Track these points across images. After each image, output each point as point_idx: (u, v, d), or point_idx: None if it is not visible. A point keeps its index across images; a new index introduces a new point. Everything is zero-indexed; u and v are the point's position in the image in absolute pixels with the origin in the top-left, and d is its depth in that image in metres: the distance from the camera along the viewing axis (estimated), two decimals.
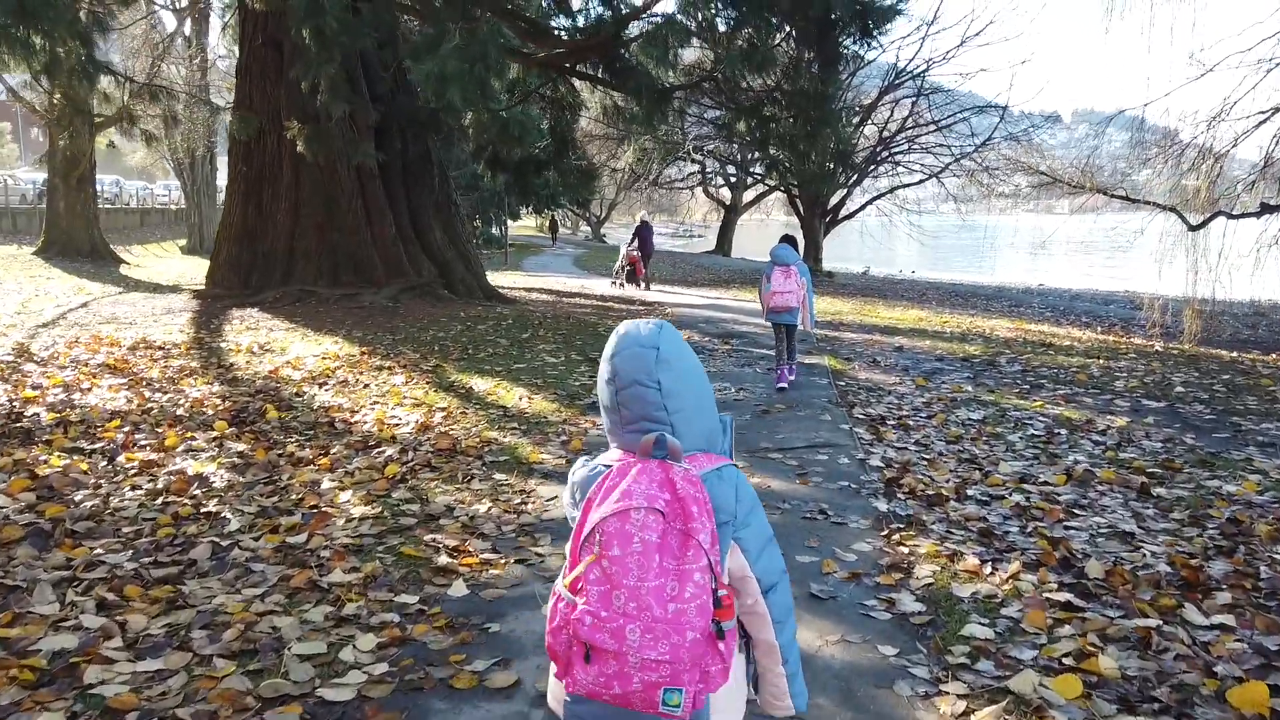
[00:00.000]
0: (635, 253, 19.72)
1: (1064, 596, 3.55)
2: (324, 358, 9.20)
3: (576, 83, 15.78)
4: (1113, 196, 14.16)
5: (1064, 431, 6.56)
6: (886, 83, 23.24)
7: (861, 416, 7.08)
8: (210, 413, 6.69)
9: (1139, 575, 3.77)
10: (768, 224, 78.96)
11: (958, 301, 21.14)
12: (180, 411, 6.68)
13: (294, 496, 4.82)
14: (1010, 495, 4.94)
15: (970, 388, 8.40)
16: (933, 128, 23.67)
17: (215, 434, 6.06)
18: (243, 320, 12.15)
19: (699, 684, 1.45)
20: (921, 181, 24.99)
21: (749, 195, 41.39)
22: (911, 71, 23.16)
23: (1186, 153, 11.99)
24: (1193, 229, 12.22)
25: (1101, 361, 9.97)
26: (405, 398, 7.38)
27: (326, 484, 5.04)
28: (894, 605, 3.54)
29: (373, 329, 11.51)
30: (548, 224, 49.13)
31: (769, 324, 8.38)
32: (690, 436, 1.62)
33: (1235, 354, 11.27)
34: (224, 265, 14.45)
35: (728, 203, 42.35)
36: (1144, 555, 4.01)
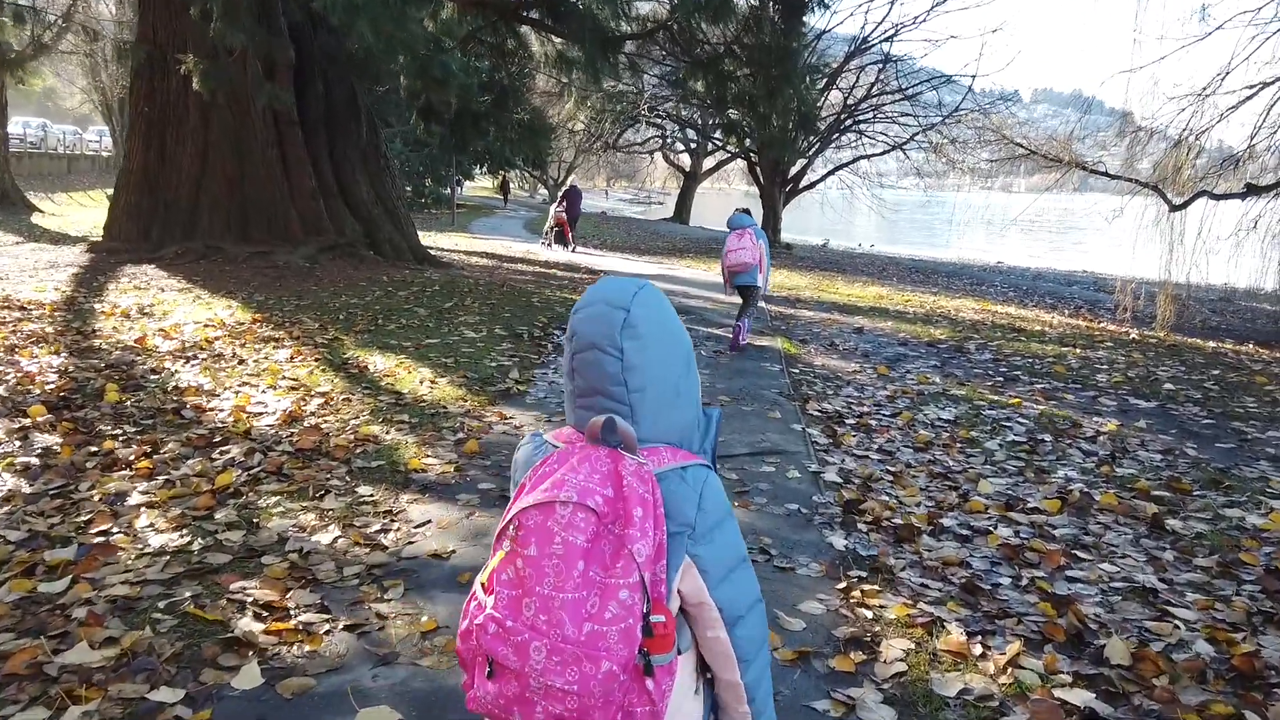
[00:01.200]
0: (563, 214, 19.76)
1: (1081, 697, 2.61)
2: (207, 325, 8.00)
3: (527, 32, 14.53)
4: (1093, 172, 13.35)
5: (1048, 437, 5.65)
6: (853, 47, 22.16)
7: (817, 413, 6.11)
8: (36, 392, 5.50)
9: (1175, 661, 2.84)
10: (728, 193, 77.95)
11: (918, 278, 20.34)
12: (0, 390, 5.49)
13: (83, 515, 3.71)
14: (996, 528, 4.00)
15: (938, 379, 7.48)
16: (899, 96, 22.69)
17: (26, 421, 4.89)
18: (133, 278, 10.83)
19: None
20: (886, 152, 24.05)
21: (709, 162, 40.21)
22: (879, 37, 22.12)
23: (1171, 128, 11.16)
24: (1175, 209, 11.44)
25: (1078, 350, 9.13)
26: (283, 378, 6.24)
27: (135, 497, 3.93)
28: (853, 711, 2.56)
29: (278, 292, 10.29)
30: (498, 185, 47.57)
31: (731, 297, 8.42)
32: (653, 424, 1.35)
33: (1215, 344, 10.53)
34: (122, 215, 13.03)
35: (687, 169, 41.14)
36: (1175, 627, 3.08)
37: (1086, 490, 4.55)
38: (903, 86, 22.44)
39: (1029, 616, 3.13)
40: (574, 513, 1.20)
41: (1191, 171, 11.74)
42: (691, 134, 36.79)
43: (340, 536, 3.62)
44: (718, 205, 62.53)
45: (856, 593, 3.28)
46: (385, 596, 3.14)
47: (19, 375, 5.87)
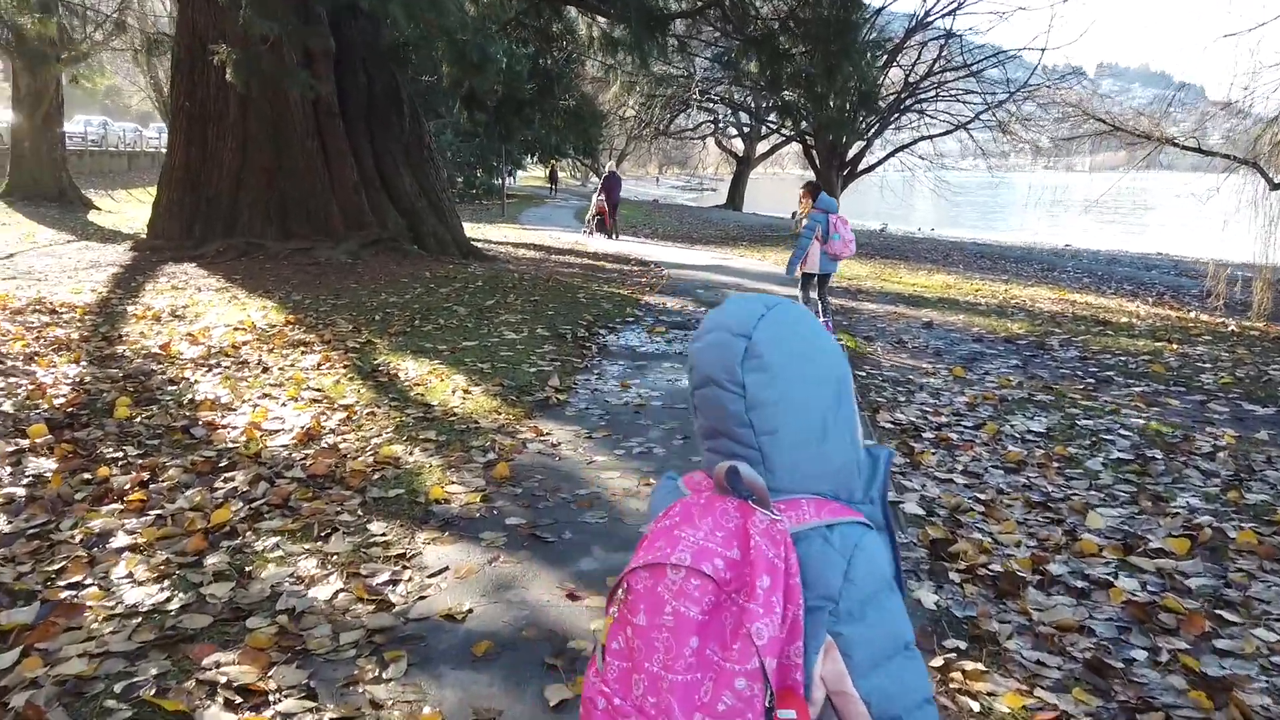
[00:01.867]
0: (603, 202, 20.08)
1: None
2: (237, 328, 7.63)
3: (575, 15, 13.98)
4: (1185, 148, 12.33)
5: (1158, 454, 4.94)
6: (914, 21, 21.13)
7: (889, 425, 5.47)
8: (44, 408, 5.13)
9: None
10: (782, 178, 76.66)
11: (985, 264, 19.36)
12: (6, 405, 5.13)
13: (57, 562, 3.27)
14: (1117, 577, 3.35)
15: (1022, 381, 6.77)
16: (964, 72, 21.59)
17: (24, 443, 4.51)
18: (172, 278, 10.57)
19: None
20: (949, 132, 22.96)
21: (763, 147, 39.31)
22: (941, 11, 21.07)
23: (1271, 101, 10.14)
24: (1276, 187, 10.42)
25: (1174, 346, 8.29)
26: (307, 388, 5.80)
27: (119, 538, 3.49)
28: None
29: (316, 290, 9.93)
30: (548, 174, 47.20)
31: (795, 280, 8.45)
32: (792, 471, 1.10)
33: None
34: (164, 213, 12.83)
35: (740, 154, 40.28)
36: None
37: (1217, 525, 3.85)
38: (968, 62, 21.33)
39: (1179, 711, 2.50)
40: (687, 578, 1.02)
41: None
42: (744, 118, 35.94)
43: (342, 589, 3.13)
44: (772, 190, 61.48)
45: (956, 673, 2.68)
46: (384, 675, 2.62)
47: (31, 387, 5.51)
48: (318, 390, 5.77)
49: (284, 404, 5.44)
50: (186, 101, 12.55)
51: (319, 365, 6.44)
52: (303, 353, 6.83)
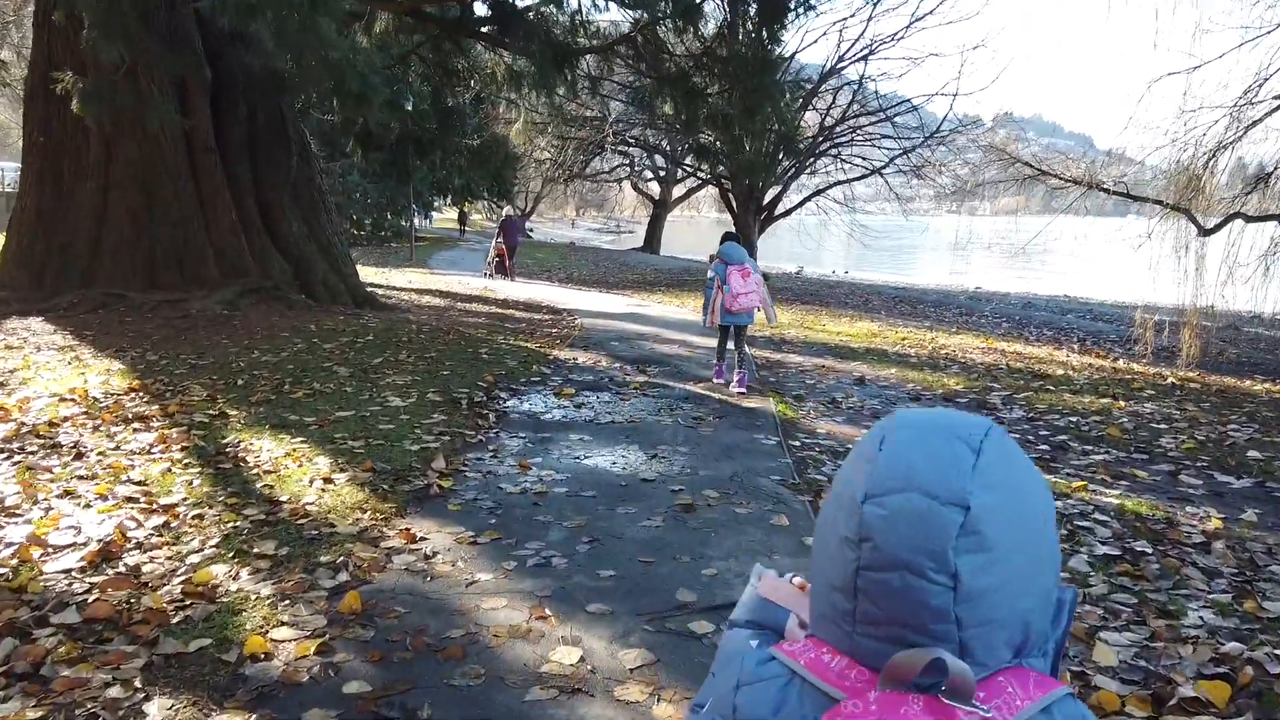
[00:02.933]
0: (502, 245, 20.87)
1: None
2: (65, 399, 6.41)
3: (480, 49, 13.16)
4: (1115, 194, 12.11)
5: (1147, 547, 4.22)
6: (828, 65, 20.99)
7: None
8: None
9: None
10: (698, 220, 77.15)
11: (905, 309, 19.09)
12: None
13: None
14: None
15: None
16: (879, 117, 21.52)
17: None
18: (13, 334, 9.20)
19: None
20: (864, 176, 22.87)
21: (679, 190, 39.10)
22: (856, 54, 20.98)
23: (1202, 144, 9.91)
24: (1205, 233, 10.22)
25: (1121, 403, 7.77)
26: (125, 480, 4.69)
27: None
28: None
29: (178, 347, 8.73)
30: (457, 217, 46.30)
31: (713, 329, 8.15)
32: (994, 652, 0.81)
33: (1265, 385, 9.24)
34: (12, 261, 11.38)
35: (657, 198, 39.98)
36: None
37: (1250, 654, 3.11)
38: (883, 106, 21.26)
39: None
40: None
41: (1214, 191, 10.53)
42: (660, 161, 35.64)
43: None
44: (689, 232, 61.59)
45: None
46: None
47: None
48: (138, 484, 4.66)
49: (87, 505, 4.31)
50: (40, 137, 11.20)
51: (151, 447, 5.31)
52: (135, 430, 5.68)
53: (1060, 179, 12.72)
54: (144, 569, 3.63)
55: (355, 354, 8.69)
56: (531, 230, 55.35)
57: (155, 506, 4.32)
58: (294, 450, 5.35)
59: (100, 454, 5.16)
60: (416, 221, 38.74)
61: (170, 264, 11.24)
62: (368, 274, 19.51)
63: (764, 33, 9.51)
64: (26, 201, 11.41)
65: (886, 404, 7.60)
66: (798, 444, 6.08)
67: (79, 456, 5.09)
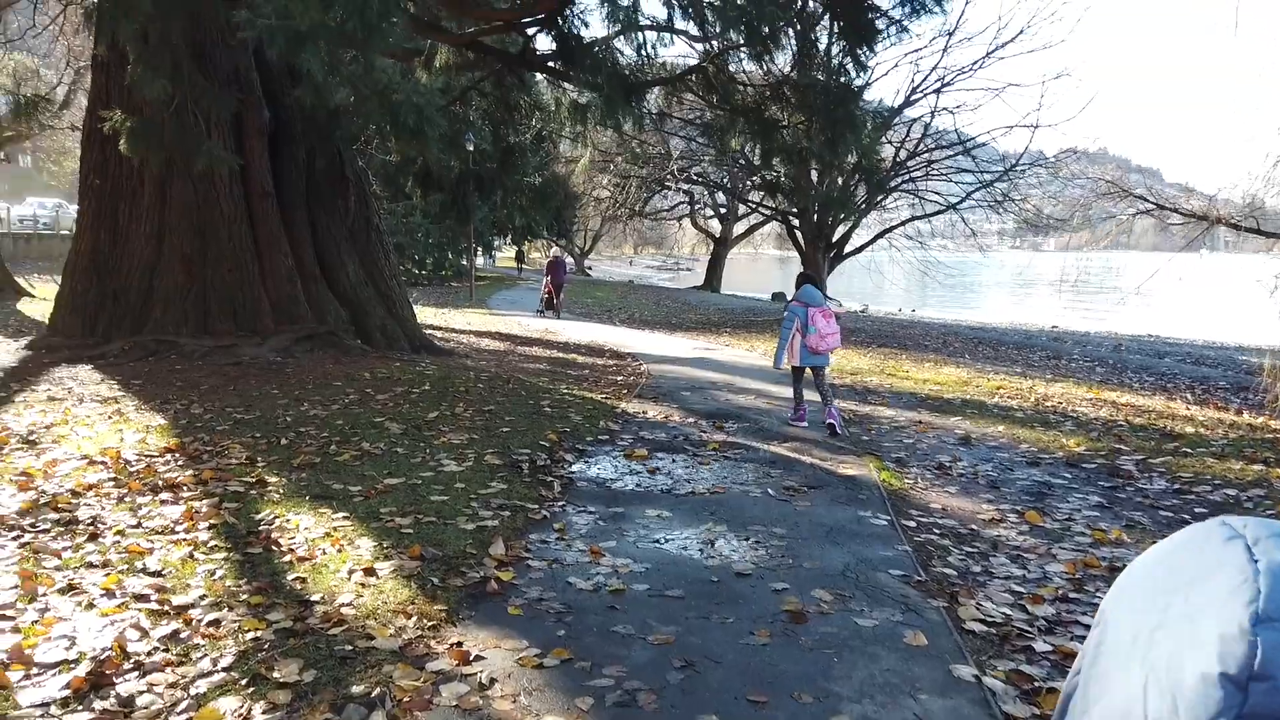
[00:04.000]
0: (550, 284, 21.85)
1: None
2: (94, 462, 5.87)
3: (541, 83, 12.70)
4: (1241, 229, 11.05)
5: None
6: (903, 98, 20.18)
7: (979, 626, 3.78)
8: None
9: None
10: (758, 258, 76.38)
11: (988, 352, 17.98)
12: None
13: None
14: None
15: (1118, 529, 5.14)
16: (957, 150, 20.56)
17: None
18: (55, 385, 8.82)
19: None
20: (941, 212, 21.87)
21: (740, 227, 38.39)
22: (933, 85, 20.12)
23: None
24: None
25: (1278, 471, 6.73)
26: (139, 571, 4.05)
27: None
28: None
29: (226, 399, 8.22)
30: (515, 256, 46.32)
31: (785, 373, 8.37)
32: None
33: None
34: (66, 307, 11.09)
35: (717, 235, 39.31)
36: None
37: None
38: (961, 139, 20.30)
39: None
40: None
41: None
42: (721, 198, 35.04)
43: None
44: (750, 270, 60.84)
45: None
46: None
47: None
48: (153, 575, 4.02)
49: (89, 605, 3.67)
50: (96, 180, 10.95)
51: (175, 525, 4.68)
52: (162, 502, 5.08)
53: (1181, 213, 11.65)
54: (138, 700, 2.94)
55: (409, 407, 8.07)
56: (590, 269, 55.17)
57: (167, 608, 3.66)
58: (334, 530, 4.67)
59: (118, 533, 4.55)
60: (480, 260, 38.71)
61: (224, 310, 10.83)
62: (427, 315, 19.13)
63: (848, 58, 8.77)
64: (81, 246, 11.14)
65: (1003, 469, 6.68)
66: (912, 524, 5.21)
67: (94, 537, 4.48)
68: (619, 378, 11.09)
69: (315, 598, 3.83)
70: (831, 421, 7.67)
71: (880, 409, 9.28)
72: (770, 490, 5.82)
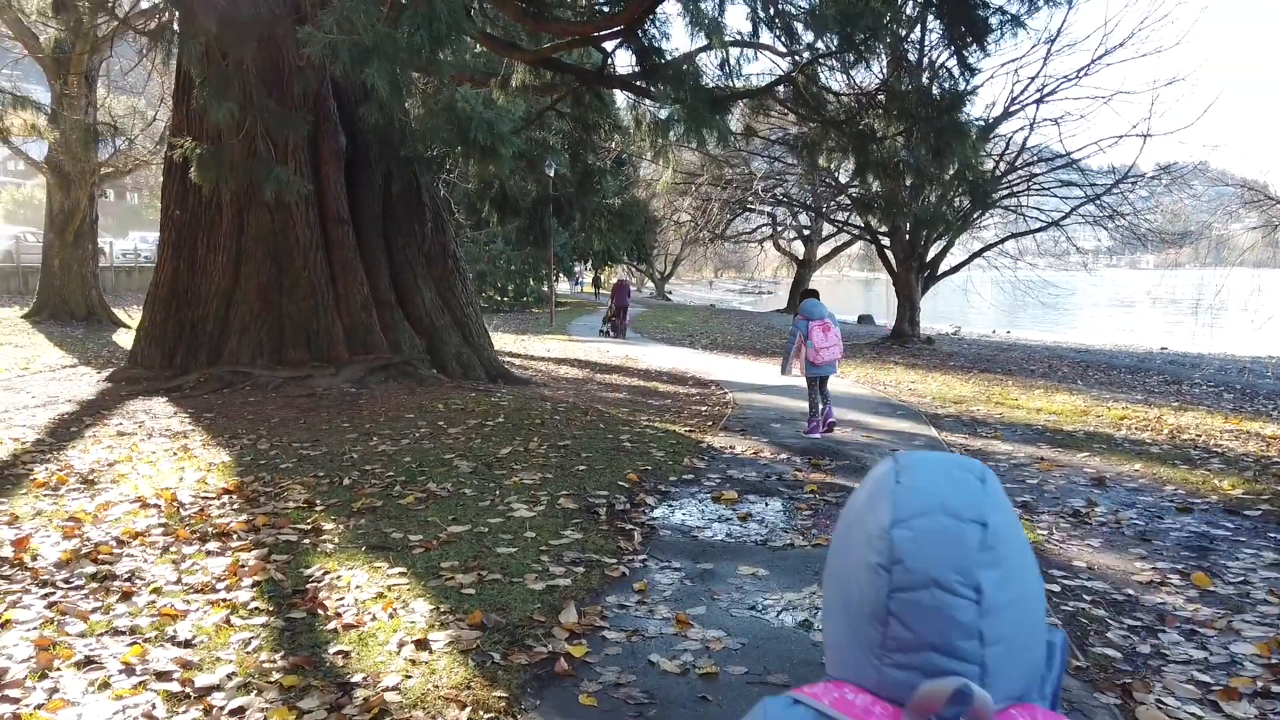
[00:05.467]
0: (614, 306, 23.53)
1: None
2: (147, 505, 5.53)
3: (620, 103, 12.26)
4: None
5: None
6: (1004, 108, 19.09)
7: None
8: None
9: None
10: (842, 280, 74.90)
11: (1098, 376, 16.73)
12: None
13: None
14: None
15: None
16: (1062, 162, 19.35)
17: None
18: (127, 419, 8.66)
19: None
20: (1045, 227, 20.62)
21: (824, 249, 37.35)
22: (1033, 96, 19.00)
23: None
24: None
25: None
26: (167, 640, 3.59)
27: None
28: None
29: (295, 433, 7.91)
30: (592, 280, 46.29)
31: (807, 380, 8.65)
32: (1009, 679, 0.87)
33: None
34: (145, 338, 11.05)
35: (800, 257, 38.37)
36: None
37: None
38: (1067, 150, 19.12)
39: None
40: None
41: None
42: (805, 219, 34.16)
43: None
44: (834, 292, 59.49)
45: None
46: None
47: None
48: (183, 644, 3.55)
49: (104, 685, 3.21)
50: (176, 210, 10.92)
51: (217, 582, 4.23)
52: (209, 553, 4.66)
53: None
54: None
55: (481, 441, 7.58)
56: (670, 293, 54.76)
57: (188, 690, 3.17)
58: (387, 590, 4.15)
59: (154, 591, 4.12)
60: (564, 286, 38.62)
61: (299, 340, 10.62)
62: (506, 342, 18.86)
63: (954, 60, 8.02)
64: (161, 277, 11.11)
65: (1150, 517, 5.79)
66: (1056, 589, 4.41)
67: (127, 596, 4.06)
68: (703, 408, 10.46)
69: (357, 678, 3.29)
70: (831, 421, 8.73)
71: (994, 443, 8.41)
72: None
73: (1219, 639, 3.83)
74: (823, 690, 0.93)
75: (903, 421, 9.57)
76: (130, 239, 38.46)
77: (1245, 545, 5.17)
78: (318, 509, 5.49)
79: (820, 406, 8.65)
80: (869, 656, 0.89)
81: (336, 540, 4.90)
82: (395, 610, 3.91)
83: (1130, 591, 4.40)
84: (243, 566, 4.43)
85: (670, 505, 5.89)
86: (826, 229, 32.29)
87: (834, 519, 5.70)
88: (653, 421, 9.11)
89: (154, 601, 4.00)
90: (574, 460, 6.95)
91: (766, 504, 5.95)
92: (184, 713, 3.02)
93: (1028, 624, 0.89)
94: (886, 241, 20.84)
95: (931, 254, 20.75)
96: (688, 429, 8.79)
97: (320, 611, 3.92)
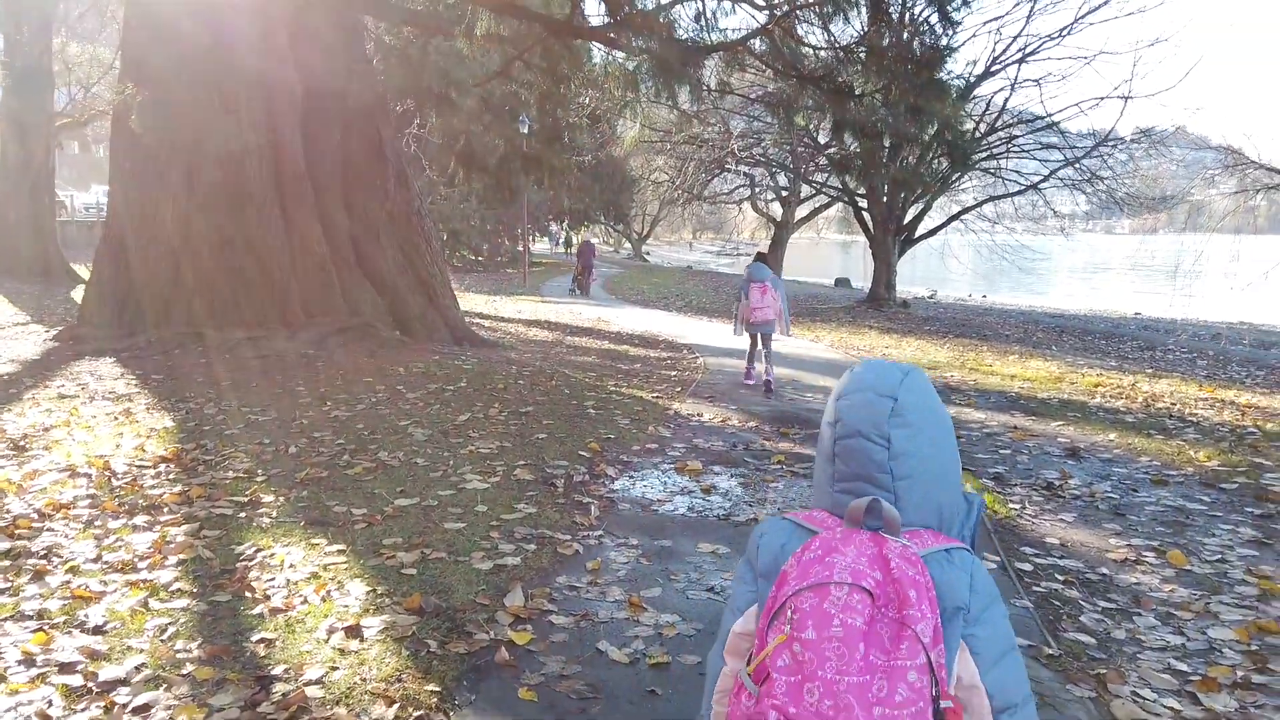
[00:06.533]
0: (579, 265, 25.05)
1: None
2: (77, 473, 5.21)
3: (595, 56, 11.82)
4: None
5: None
6: (985, 68, 18.72)
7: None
8: None
9: None
10: (820, 243, 74.63)
11: (1073, 342, 16.65)
12: None
13: None
14: None
15: None
16: (1042, 124, 19.05)
17: None
18: (70, 380, 8.28)
19: None
20: (1021, 192, 20.39)
21: (803, 211, 36.95)
22: (1014, 55, 18.65)
23: None
24: None
25: None
26: (72, 628, 3.31)
27: None
28: None
29: (245, 396, 7.59)
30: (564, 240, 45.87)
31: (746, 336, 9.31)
32: (915, 509, 1.35)
33: None
34: (94, 297, 10.60)
35: (778, 219, 38.00)
36: None
37: None
38: (1048, 112, 18.80)
39: None
40: (850, 594, 1.20)
41: None
42: (783, 180, 33.74)
43: None
44: (811, 255, 59.36)
45: None
46: None
47: None
48: (94, 631, 3.28)
49: (0, 677, 2.94)
50: (126, 162, 10.40)
51: (139, 560, 3.95)
52: (135, 527, 4.36)
53: None
54: None
55: (439, 407, 7.30)
56: (648, 254, 54.30)
57: (90, 685, 2.90)
58: (322, 569, 3.89)
59: (70, 570, 3.84)
60: (541, 246, 38.03)
61: (253, 300, 10.20)
62: (476, 303, 18.50)
63: (934, 14, 7.69)
64: (110, 233, 10.64)
65: (1125, 490, 5.63)
66: (1028, 567, 4.23)
67: (40, 576, 3.77)
68: (673, 372, 10.22)
69: (278, 670, 3.03)
70: (769, 379, 9.01)
71: (967, 410, 8.24)
72: None
73: (1196, 623, 3.66)
74: (798, 512, 1.42)
75: None
76: (93, 192, 37.39)
77: (1221, 520, 5.02)
78: (258, 479, 5.20)
79: (758, 364, 9.26)
80: (826, 486, 1.40)
81: (275, 514, 4.62)
82: (329, 592, 3.66)
83: (1104, 570, 4.23)
84: (169, 543, 4.15)
85: (631, 477, 5.66)
86: (805, 191, 31.93)
87: (800, 491, 5.52)
88: (619, 387, 8.85)
89: (68, 582, 3.72)
90: (534, 428, 6.70)
91: (731, 475, 5.73)
92: (82, 710, 2.75)
93: (931, 471, 1.34)
94: (864, 204, 20.55)
95: (909, 217, 20.50)
96: (655, 395, 8.56)
97: (248, 594, 3.65)
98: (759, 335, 9.11)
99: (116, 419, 6.77)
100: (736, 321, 9.21)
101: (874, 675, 1.14)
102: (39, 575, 3.78)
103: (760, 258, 9.35)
